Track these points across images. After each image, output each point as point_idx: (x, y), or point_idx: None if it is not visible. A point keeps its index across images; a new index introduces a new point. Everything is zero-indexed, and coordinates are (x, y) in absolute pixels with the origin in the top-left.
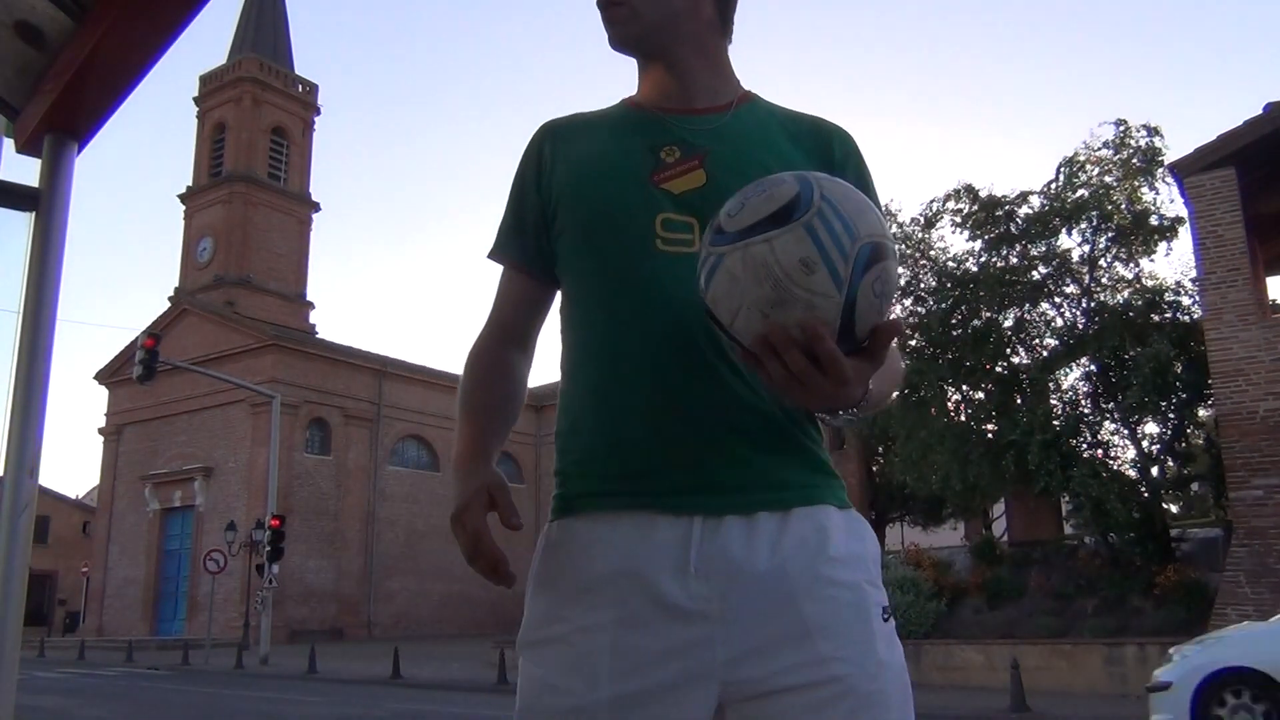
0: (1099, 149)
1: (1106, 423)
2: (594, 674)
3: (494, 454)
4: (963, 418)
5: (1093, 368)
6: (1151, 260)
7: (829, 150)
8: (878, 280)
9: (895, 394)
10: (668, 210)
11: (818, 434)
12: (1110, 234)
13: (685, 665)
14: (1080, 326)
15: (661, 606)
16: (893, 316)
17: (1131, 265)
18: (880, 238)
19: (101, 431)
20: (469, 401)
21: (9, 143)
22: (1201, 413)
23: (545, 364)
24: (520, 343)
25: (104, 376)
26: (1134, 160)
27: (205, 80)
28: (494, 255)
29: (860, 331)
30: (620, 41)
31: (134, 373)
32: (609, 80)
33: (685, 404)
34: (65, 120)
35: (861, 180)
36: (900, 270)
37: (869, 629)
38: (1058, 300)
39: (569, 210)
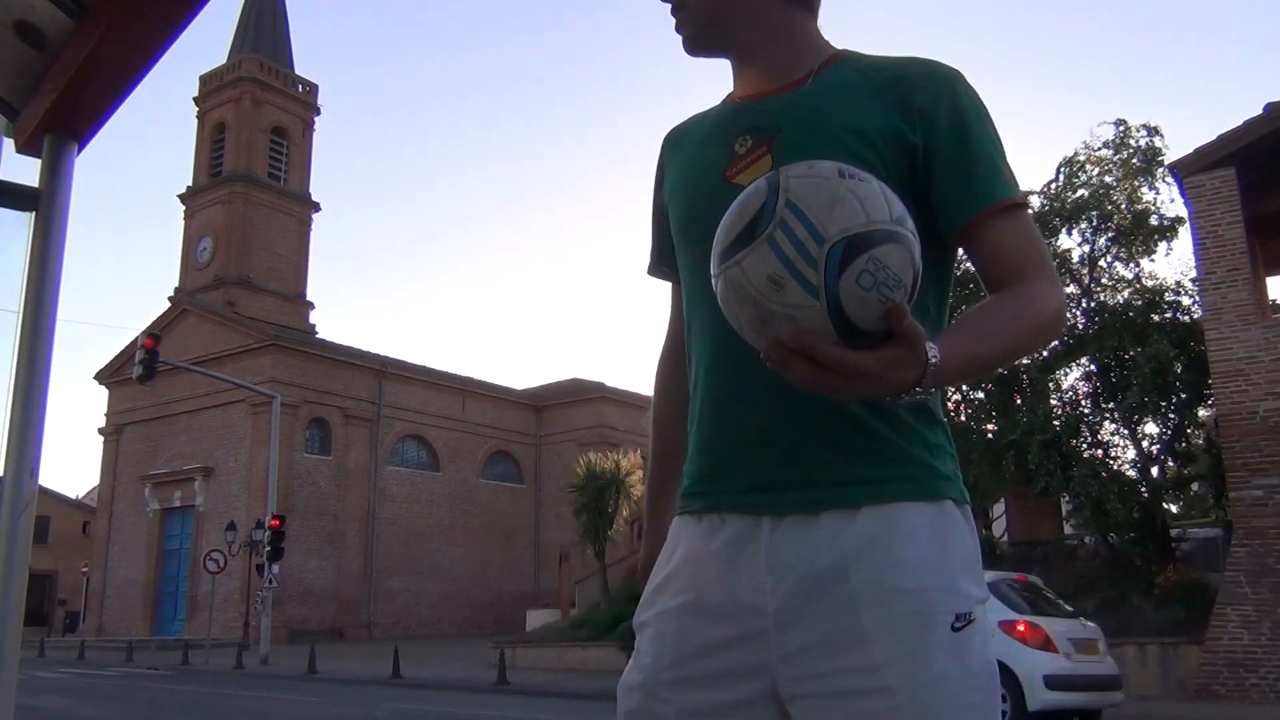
0: (1099, 149)
1: (1106, 423)
2: (661, 654)
3: (673, 494)
4: (963, 417)
5: (1093, 368)
6: (1151, 260)
7: (908, 99)
8: (864, 273)
9: (1040, 339)
10: None
11: (915, 421)
12: (1110, 234)
13: (739, 657)
14: (1080, 326)
15: (724, 600)
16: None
17: (1131, 265)
18: (857, 229)
19: (101, 431)
20: (654, 420)
21: (9, 143)
22: (1201, 413)
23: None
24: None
25: (104, 376)
26: (1134, 160)
27: (205, 80)
28: (648, 271)
29: (868, 324)
30: (689, 44)
31: (134, 373)
32: (609, 80)
33: (748, 404)
34: (65, 120)
35: (957, 126)
36: None
37: (929, 640)
38: None
39: (670, 218)
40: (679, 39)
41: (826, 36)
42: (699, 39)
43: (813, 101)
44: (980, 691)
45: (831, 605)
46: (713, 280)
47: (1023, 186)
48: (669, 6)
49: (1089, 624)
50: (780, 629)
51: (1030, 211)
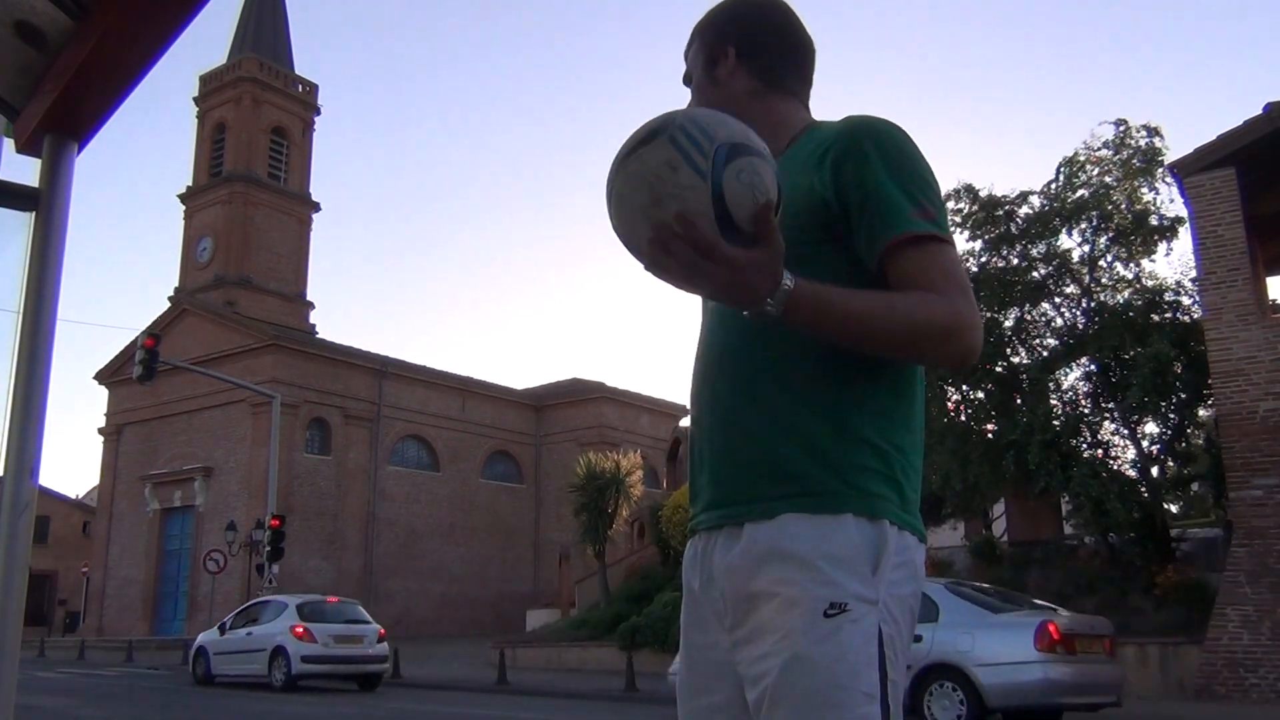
0: (1099, 149)
1: (1106, 423)
2: (682, 663)
3: None
4: (963, 418)
5: (1093, 368)
6: (1151, 260)
7: (825, 159)
8: (742, 171)
9: (914, 338)
10: None
11: (838, 447)
12: (1110, 234)
13: (716, 660)
14: (1080, 326)
15: (699, 611)
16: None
17: (1131, 265)
18: (740, 139)
19: (101, 431)
20: None
21: (9, 143)
22: (1201, 413)
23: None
24: None
25: (104, 376)
26: (1134, 160)
27: (205, 80)
28: None
29: (740, 219)
30: None
31: (134, 373)
32: (610, 80)
33: (706, 436)
34: (65, 120)
35: (862, 174)
36: None
37: (797, 624)
38: (1058, 300)
39: None
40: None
41: (832, 35)
42: None
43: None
44: (844, 679)
45: (746, 606)
46: (608, 196)
47: (1023, 186)
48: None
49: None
50: (731, 630)
51: (949, 246)
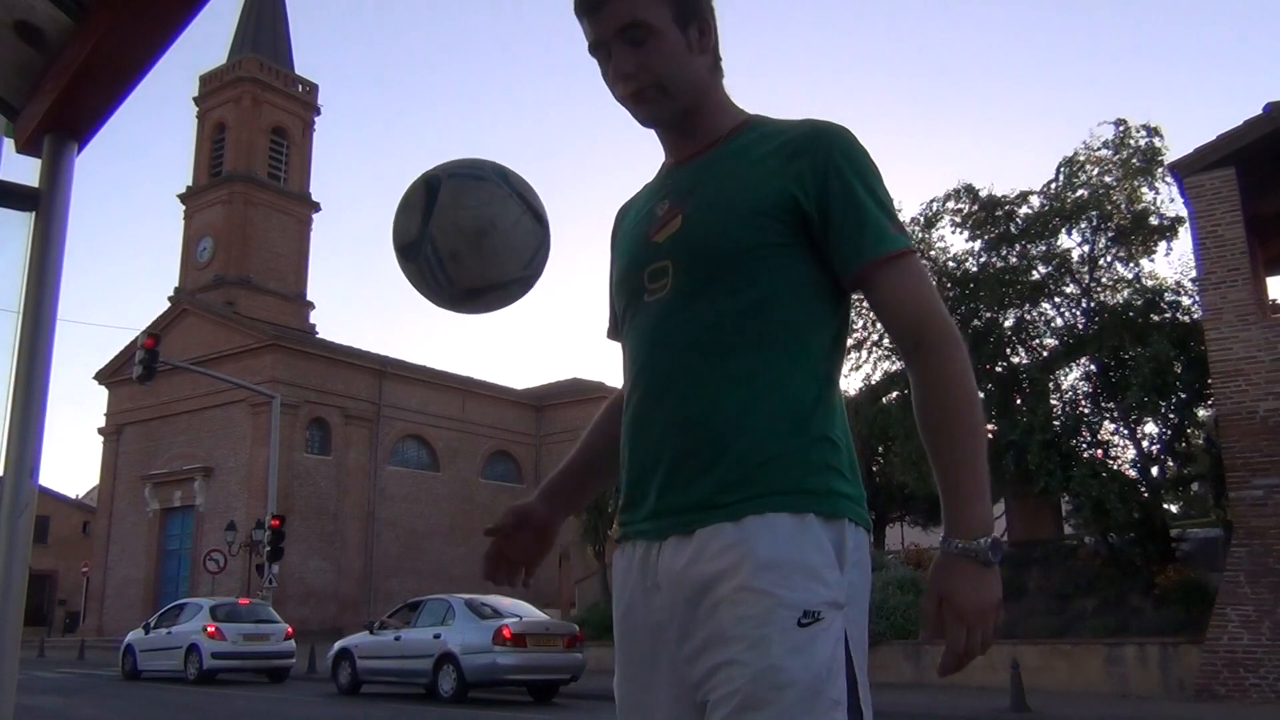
0: (1099, 149)
1: (1106, 423)
2: (620, 681)
3: (560, 491)
4: None
5: (1093, 368)
6: (1151, 260)
7: (799, 164)
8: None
9: (972, 409)
10: (652, 261)
11: (792, 442)
12: (1110, 234)
13: (660, 671)
14: (1080, 326)
15: (639, 621)
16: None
17: (1131, 265)
18: (402, 240)
19: (101, 431)
20: (579, 440)
21: (9, 143)
22: (1201, 413)
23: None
24: None
25: (104, 376)
26: (1134, 160)
27: (205, 80)
28: (608, 335)
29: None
30: (652, 121)
31: (134, 373)
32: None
33: (645, 442)
34: (65, 120)
35: (844, 186)
36: None
37: (770, 632)
38: (1058, 300)
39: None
40: (630, 109)
41: (832, 35)
42: (670, 119)
43: (722, 165)
44: (818, 688)
45: (704, 612)
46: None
47: (1023, 186)
48: (634, 97)
49: None
50: (679, 638)
51: (916, 254)
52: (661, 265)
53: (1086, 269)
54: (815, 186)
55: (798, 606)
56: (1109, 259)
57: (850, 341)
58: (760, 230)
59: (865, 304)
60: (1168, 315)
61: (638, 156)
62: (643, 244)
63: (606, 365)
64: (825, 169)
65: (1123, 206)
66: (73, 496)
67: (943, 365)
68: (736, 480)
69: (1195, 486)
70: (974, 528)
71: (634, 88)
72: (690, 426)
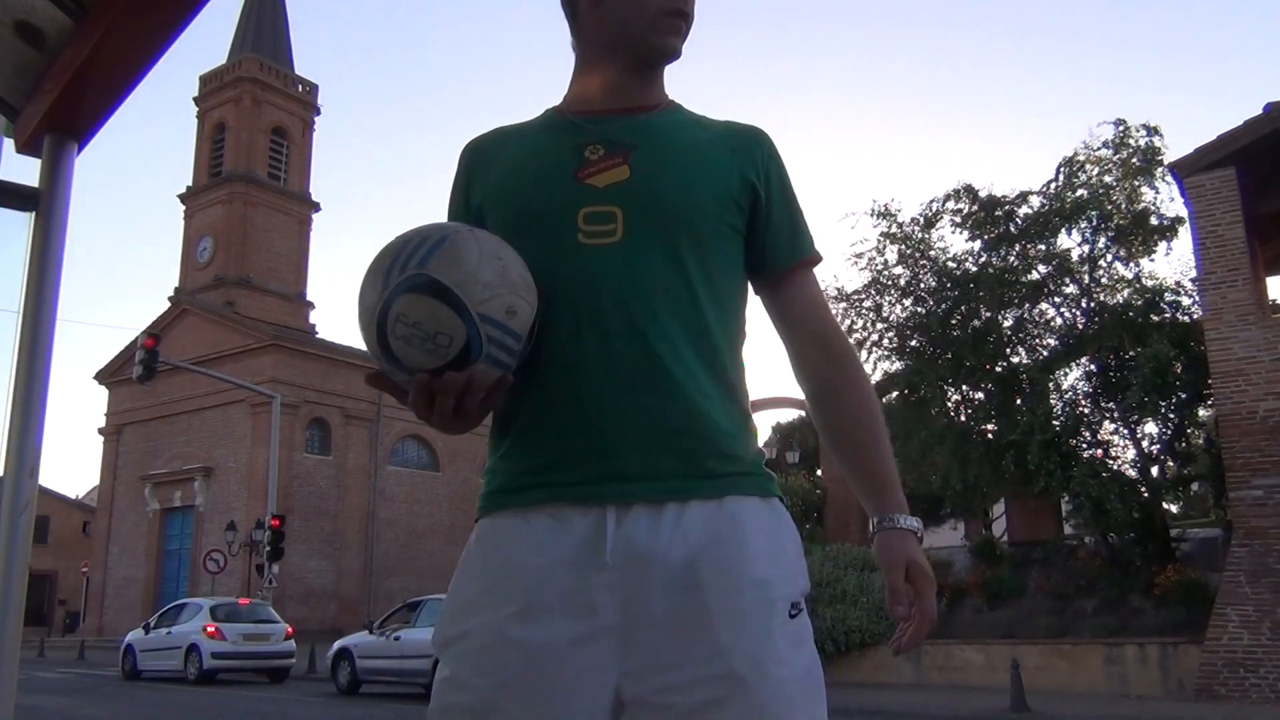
0: (1098, 149)
1: (1106, 423)
2: (500, 668)
3: None
4: (963, 418)
5: (1093, 368)
6: (1151, 260)
7: (753, 158)
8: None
9: (877, 410)
10: (591, 204)
11: (742, 422)
12: (1110, 234)
13: (589, 656)
14: (1080, 326)
15: (569, 600)
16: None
17: (1131, 265)
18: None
19: (101, 431)
20: None
21: (9, 143)
22: (1201, 413)
23: None
24: None
25: (104, 376)
26: (1134, 160)
27: (205, 80)
28: None
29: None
30: (671, 56)
31: (134, 373)
32: None
33: (600, 395)
34: (65, 120)
35: (783, 186)
36: (900, 270)
37: (772, 626)
38: (1058, 300)
39: (496, 214)
40: (663, 43)
41: (832, 35)
42: (669, 60)
43: (664, 127)
44: (815, 677)
45: (680, 595)
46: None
47: (1023, 186)
48: (686, 19)
49: None
50: (632, 621)
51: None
52: (606, 210)
53: (1086, 269)
54: (763, 183)
55: (788, 599)
56: (1109, 259)
57: (850, 342)
58: (722, 209)
59: (864, 304)
60: (1168, 315)
61: None
62: (567, 182)
63: None
64: (768, 168)
65: (1123, 206)
66: (73, 496)
67: (859, 371)
68: (713, 453)
69: (1195, 486)
70: (904, 507)
71: (688, 10)
72: (666, 386)
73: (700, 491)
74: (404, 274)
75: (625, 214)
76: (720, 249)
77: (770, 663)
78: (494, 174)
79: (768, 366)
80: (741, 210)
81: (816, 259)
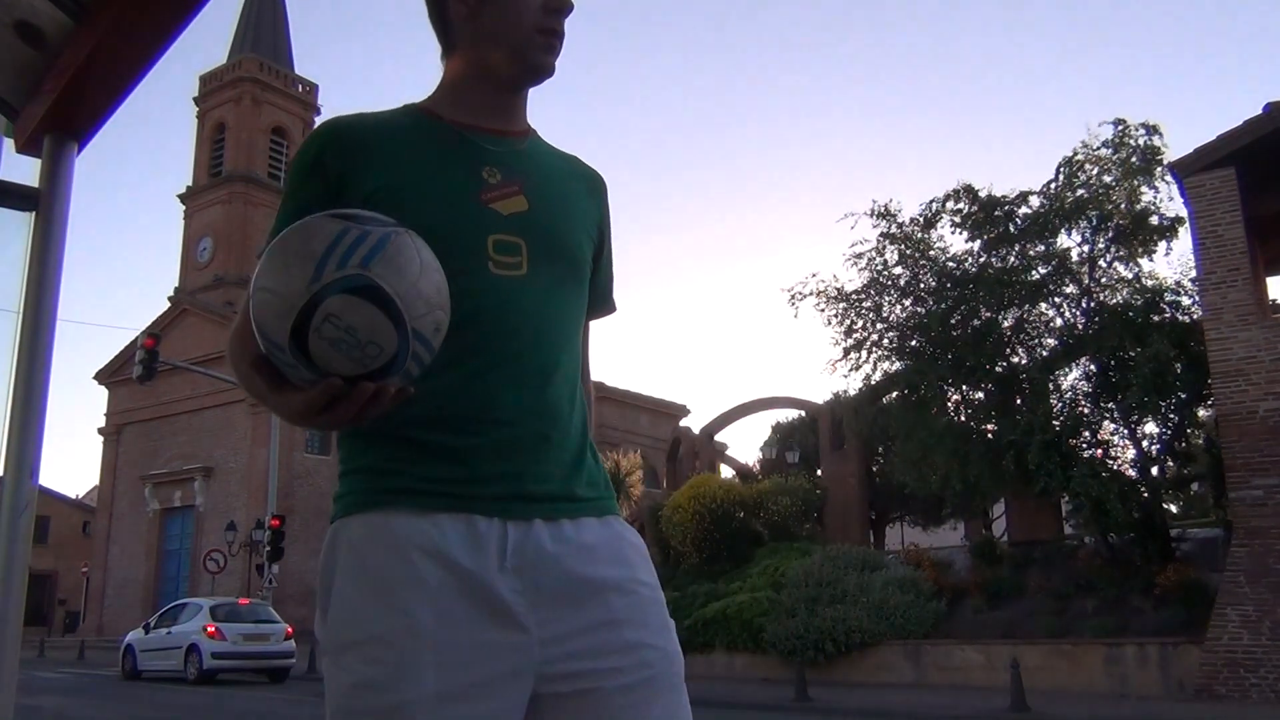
0: (1098, 149)
1: (1106, 423)
2: (417, 669)
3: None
4: (963, 418)
5: (1093, 368)
6: (1151, 260)
7: (600, 197)
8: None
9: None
10: (497, 231)
11: (595, 453)
12: (1110, 234)
13: (505, 658)
14: (1080, 326)
15: (480, 603)
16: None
17: (1131, 265)
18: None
19: (101, 431)
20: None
21: (9, 143)
22: (1201, 413)
23: None
24: None
25: (104, 376)
26: (1133, 160)
27: (205, 80)
28: None
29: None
30: (546, 74)
31: (134, 373)
32: (611, 78)
33: (514, 425)
34: (65, 120)
35: (610, 230)
36: (900, 270)
37: (665, 621)
38: (1057, 300)
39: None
40: (539, 60)
41: (832, 35)
42: (542, 79)
43: (538, 159)
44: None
45: (585, 598)
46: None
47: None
48: (559, 39)
49: None
50: (542, 624)
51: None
52: (512, 241)
53: (1086, 269)
54: (605, 231)
55: (662, 599)
56: (1109, 259)
57: (850, 342)
58: (589, 252)
59: (864, 304)
60: (1168, 315)
61: (639, 151)
62: (474, 204)
63: (606, 364)
64: (606, 215)
65: (1122, 206)
66: (73, 496)
67: (591, 405)
68: (590, 480)
69: (1195, 486)
70: None
71: (561, 30)
72: (556, 416)
73: (586, 511)
74: (342, 271)
75: (529, 247)
76: (585, 290)
77: (673, 653)
78: (379, 175)
79: (768, 367)
80: (593, 255)
81: (614, 311)
